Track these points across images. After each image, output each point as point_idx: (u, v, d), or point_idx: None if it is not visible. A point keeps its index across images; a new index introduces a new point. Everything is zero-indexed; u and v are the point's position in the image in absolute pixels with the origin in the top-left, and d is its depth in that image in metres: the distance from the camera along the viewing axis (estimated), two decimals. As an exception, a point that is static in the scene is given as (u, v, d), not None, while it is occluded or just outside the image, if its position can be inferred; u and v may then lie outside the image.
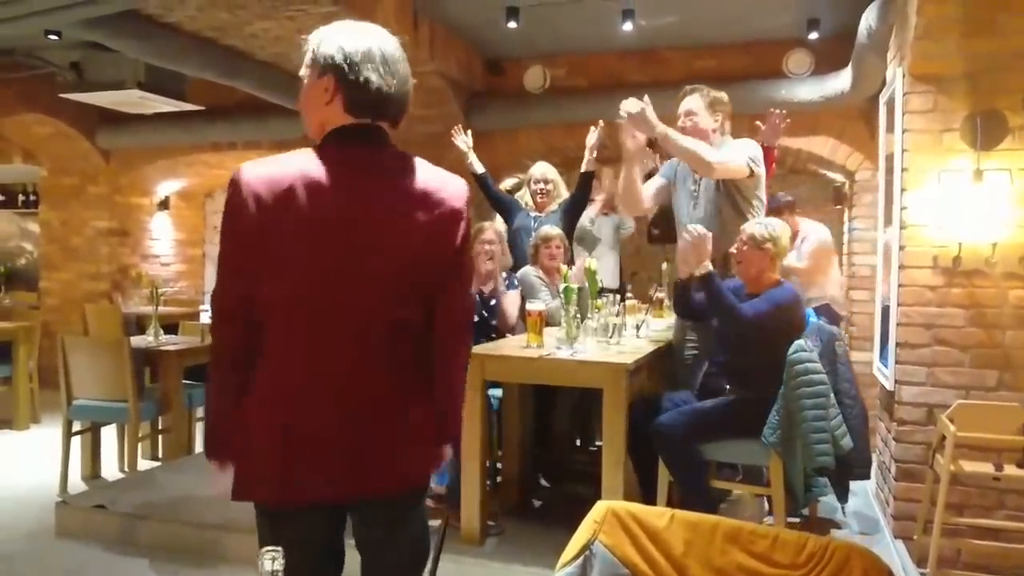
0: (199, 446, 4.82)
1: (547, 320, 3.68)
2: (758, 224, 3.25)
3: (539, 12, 5.03)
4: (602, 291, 3.95)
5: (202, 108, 6.36)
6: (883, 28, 3.84)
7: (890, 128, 3.80)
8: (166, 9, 4.27)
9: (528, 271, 4.30)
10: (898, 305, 3.48)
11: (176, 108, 6.05)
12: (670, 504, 3.21)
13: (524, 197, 4.88)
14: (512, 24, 5.02)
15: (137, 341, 4.56)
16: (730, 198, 3.49)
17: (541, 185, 4.69)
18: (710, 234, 3.19)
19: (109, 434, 4.64)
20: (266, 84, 5.64)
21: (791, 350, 3.13)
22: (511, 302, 4.12)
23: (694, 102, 3.60)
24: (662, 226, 4.15)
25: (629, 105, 3.31)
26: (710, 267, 3.17)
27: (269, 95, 5.79)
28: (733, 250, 3.28)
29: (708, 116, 3.58)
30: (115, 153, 7.41)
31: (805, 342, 3.19)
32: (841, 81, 5.10)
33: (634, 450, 3.30)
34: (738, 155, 3.40)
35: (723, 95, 3.63)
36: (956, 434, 3.03)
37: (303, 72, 1.67)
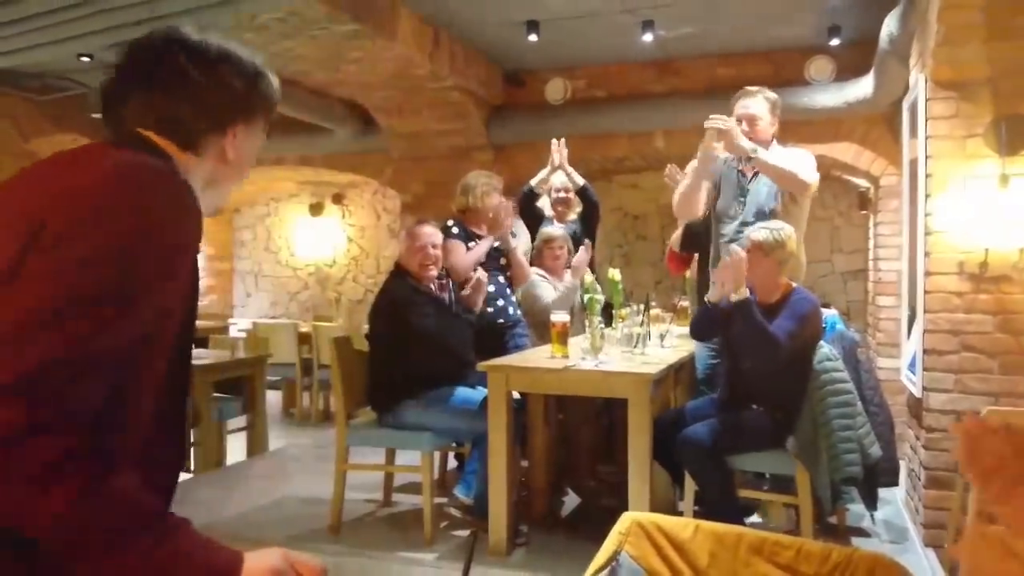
0: (230, 459, 4.90)
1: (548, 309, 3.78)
2: (763, 229, 3.18)
3: (559, 25, 5.07)
4: None
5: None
6: (905, 34, 3.84)
7: (913, 134, 3.78)
8: (194, 30, 4.36)
9: (531, 270, 4.36)
10: (924, 312, 3.46)
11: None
12: (697, 511, 3.21)
13: (545, 207, 4.92)
14: (533, 37, 5.07)
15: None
16: (784, 205, 3.45)
17: (561, 194, 4.73)
18: (745, 256, 3.15)
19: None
20: (290, 102, 5.73)
21: (817, 359, 3.13)
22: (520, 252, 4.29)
23: (758, 106, 3.47)
24: (689, 247, 4.14)
25: (717, 122, 3.26)
26: (747, 293, 3.10)
27: (293, 112, 5.89)
28: (741, 252, 3.20)
29: (770, 122, 3.48)
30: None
31: (830, 350, 3.17)
32: (863, 87, 5.09)
33: (660, 457, 3.31)
34: (812, 168, 3.38)
35: (778, 98, 3.54)
36: (986, 442, 3.00)
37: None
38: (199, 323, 6.03)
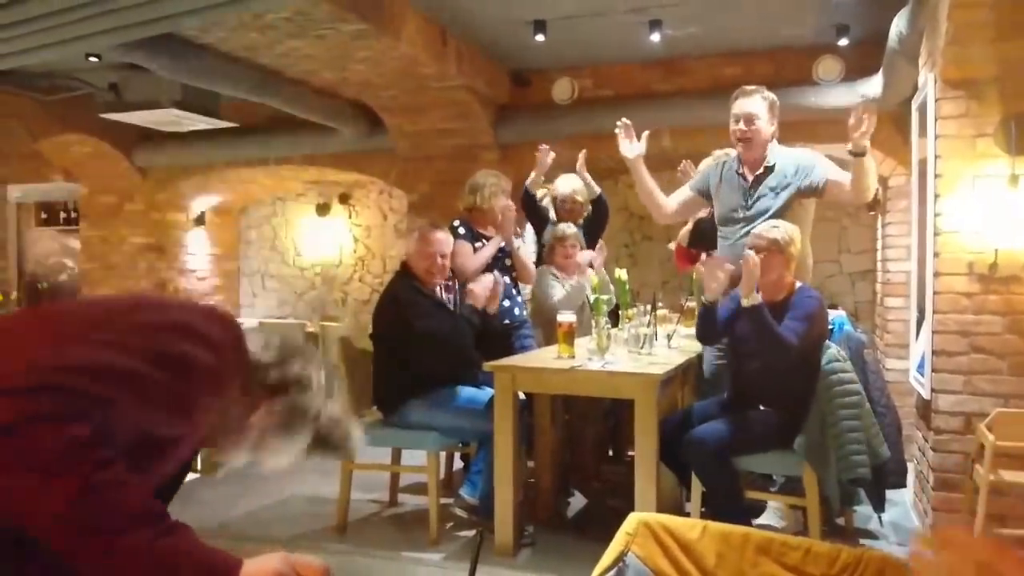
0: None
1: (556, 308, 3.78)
2: (774, 227, 3.16)
3: (565, 24, 5.06)
4: None
5: (235, 125, 6.48)
6: (914, 33, 3.81)
7: (923, 133, 3.76)
8: (201, 30, 4.37)
9: (542, 270, 4.35)
10: (933, 313, 3.44)
11: (210, 125, 6.18)
12: (704, 513, 3.20)
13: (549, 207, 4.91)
14: (540, 37, 5.06)
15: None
16: (797, 207, 3.43)
17: (569, 204, 4.68)
18: (759, 260, 3.12)
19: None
20: (296, 101, 5.74)
21: (825, 359, 3.11)
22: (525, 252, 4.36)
23: (756, 105, 3.42)
24: (697, 244, 4.12)
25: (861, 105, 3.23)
26: (759, 298, 3.07)
27: (299, 111, 5.89)
28: (756, 253, 3.17)
29: (769, 122, 3.45)
30: (151, 171, 7.57)
31: (838, 351, 3.16)
32: (872, 87, 5.06)
33: (666, 458, 3.29)
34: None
35: (776, 98, 3.52)
36: (995, 443, 2.98)
37: None
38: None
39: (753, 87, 3.50)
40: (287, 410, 1.30)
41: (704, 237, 3.98)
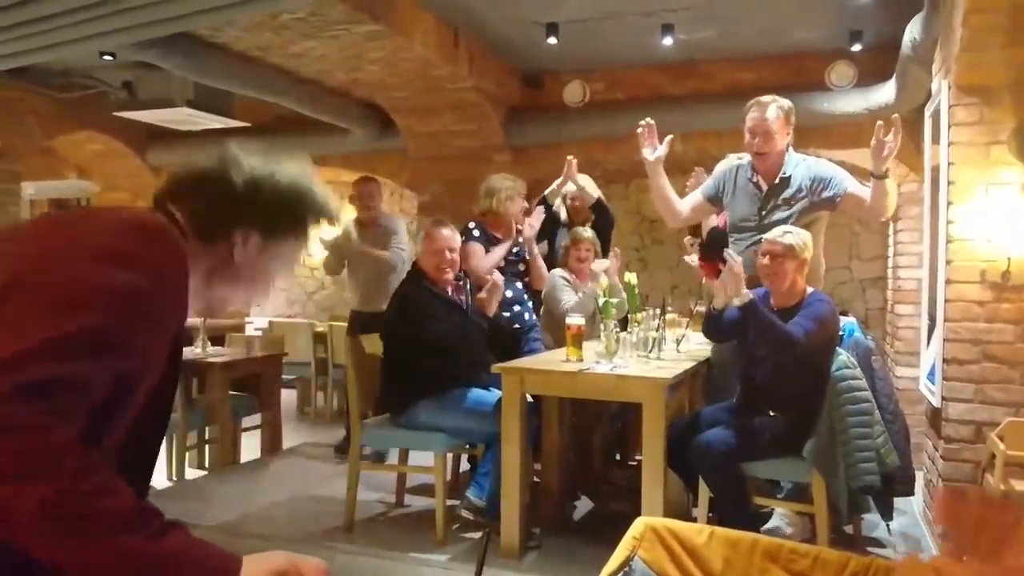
0: (244, 456, 4.92)
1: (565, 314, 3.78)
2: (788, 232, 3.14)
3: (578, 27, 5.06)
4: None
5: (247, 125, 6.50)
6: (928, 39, 3.80)
7: (936, 140, 3.74)
8: (215, 30, 4.39)
9: (555, 273, 4.34)
10: (945, 320, 3.42)
11: (223, 125, 6.20)
12: (711, 519, 3.19)
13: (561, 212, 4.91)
14: (552, 40, 5.06)
15: (185, 353, 4.66)
16: (816, 218, 3.42)
17: (578, 202, 4.71)
18: (740, 261, 3.11)
19: (157, 443, 4.74)
20: (309, 101, 5.76)
21: (835, 366, 3.10)
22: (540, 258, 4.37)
23: (771, 119, 3.36)
24: (711, 254, 4.08)
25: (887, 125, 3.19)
26: (750, 295, 3.08)
27: (312, 112, 5.91)
28: (765, 261, 3.17)
29: (784, 132, 3.40)
30: (164, 169, 7.61)
31: (848, 357, 3.15)
32: (885, 93, 5.04)
33: (673, 463, 3.29)
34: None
35: (792, 106, 3.46)
36: (1006, 452, 2.96)
37: None
38: (214, 321, 6.11)
39: (768, 97, 3.44)
40: (257, 220, 1.21)
41: (717, 247, 3.96)
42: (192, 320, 6.46)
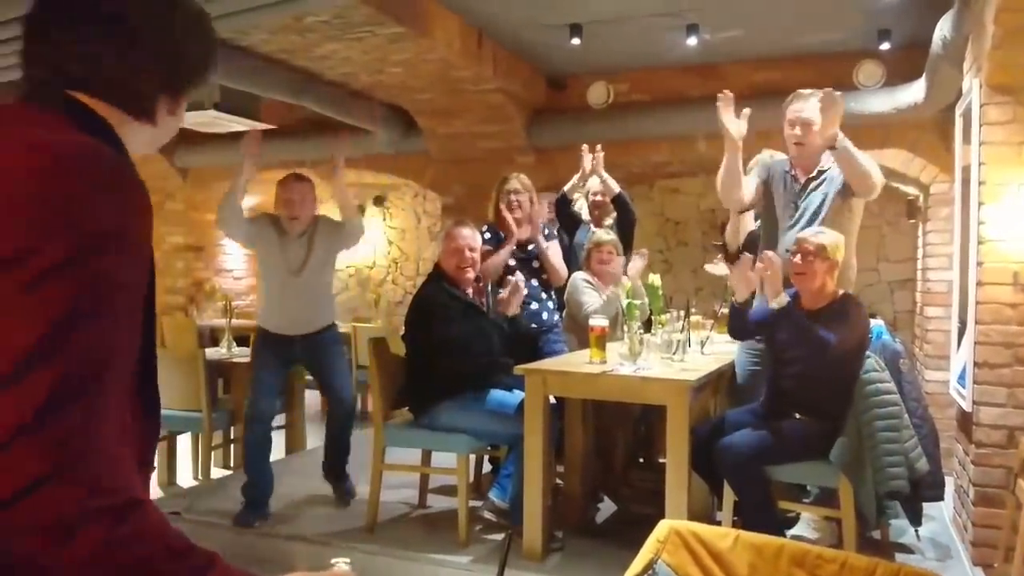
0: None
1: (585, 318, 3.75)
2: (820, 233, 3.13)
3: (602, 29, 5.05)
4: None
5: (273, 127, 6.56)
6: (958, 38, 3.73)
7: (966, 140, 3.68)
8: (241, 33, 4.43)
9: (577, 275, 4.32)
10: (976, 323, 3.36)
11: (249, 127, 6.25)
12: (736, 523, 3.16)
13: (583, 211, 4.90)
14: (576, 41, 5.05)
15: (211, 353, 4.71)
16: (846, 211, 3.37)
17: (598, 197, 4.71)
18: (778, 262, 3.08)
19: (184, 443, 4.80)
20: (334, 103, 5.80)
21: (863, 369, 3.06)
22: (555, 254, 4.25)
23: (812, 110, 3.32)
24: (751, 251, 3.99)
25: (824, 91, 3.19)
26: (786, 299, 3.05)
27: (336, 114, 5.95)
28: (797, 259, 3.13)
29: (828, 128, 3.34)
30: (191, 171, 7.70)
31: (876, 361, 3.10)
32: (914, 92, 4.97)
33: (698, 467, 3.26)
34: (879, 171, 3.31)
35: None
36: (1039, 458, 2.90)
37: None
38: (239, 322, 6.16)
39: (809, 90, 3.41)
40: (178, 79, 0.98)
41: (753, 248, 3.92)
42: (218, 321, 6.53)
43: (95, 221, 0.80)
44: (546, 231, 4.33)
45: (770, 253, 3.13)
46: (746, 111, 3.37)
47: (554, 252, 4.26)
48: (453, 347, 3.54)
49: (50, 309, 0.76)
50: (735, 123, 3.34)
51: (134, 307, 0.86)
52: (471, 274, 3.73)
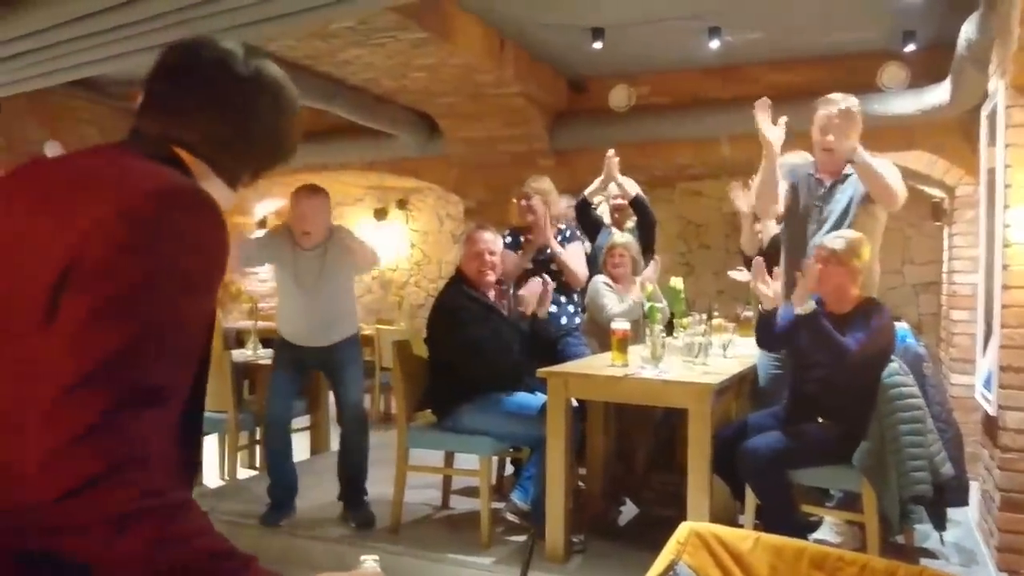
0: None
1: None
2: (837, 238, 3.12)
3: (623, 32, 5.06)
4: None
5: (299, 132, 6.63)
6: (984, 39, 3.70)
7: (992, 142, 3.65)
8: (267, 39, 4.49)
9: (597, 279, 4.34)
10: (1002, 327, 3.33)
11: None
12: (758, 526, 3.16)
13: (604, 214, 4.91)
14: (597, 44, 5.07)
15: (236, 355, 4.78)
16: (870, 215, 3.35)
17: (618, 200, 4.72)
18: (818, 269, 3.08)
19: (210, 443, 4.86)
20: (357, 108, 5.85)
21: (885, 373, 3.04)
22: (573, 256, 4.20)
23: (843, 117, 3.31)
24: (774, 258, 3.94)
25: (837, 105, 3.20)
26: (814, 305, 3.05)
27: (359, 118, 6.01)
28: (817, 263, 3.12)
29: (855, 134, 3.34)
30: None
31: (900, 364, 3.09)
32: (939, 94, 4.93)
33: (720, 469, 3.26)
34: (900, 180, 3.28)
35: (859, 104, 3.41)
36: (1066, 463, 2.87)
37: None
38: (265, 324, 6.23)
39: (839, 95, 3.40)
40: (262, 160, 1.15)
41: (777, 252, 3.91)
42: (243, 323, 6.61)
43: (190, 246, 0.92)
44: (567, 232, 4.33)
45: (810, 262, 3.12)
46: (783, 119, 3.35)
47: (571, 254, 4.22)
48: (473, 349, 3.57)
49: (134, 322, 0.85)
50: (772, 130, 3.31)
51: (203, 327, 0.96)
52: (491, 277, 3.76)
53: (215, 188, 1.08)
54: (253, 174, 1.16)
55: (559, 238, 4.24)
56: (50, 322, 0.86)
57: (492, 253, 3.74)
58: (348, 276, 4.02)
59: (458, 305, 3.66)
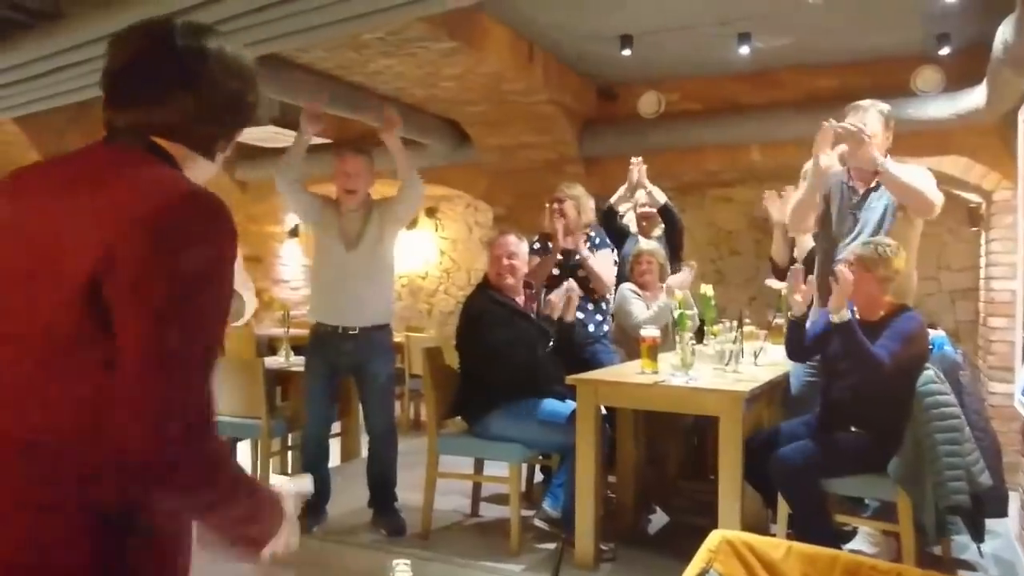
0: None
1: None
2: (867, 245, 3.09)
3: (653, 39, 5.06)
4: None
5: (329, 141, 6.71)
6: (1020, 41, 3.64)
7: (1029, 146, 3.59)
8: (299, 51, 4.56)
9: (624, 286, 4.33)
10: (1041, 334, 3.27)
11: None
12: (790, 535, 3.12)
13: (631, 223, 4.91)
14: (626, 52, 5.07)
15: (269, 362, 4.84)
16: (906, 221, 3.30)
17: (645, 208, 4.72)
18: (851, 277, 3.05)
19: (243, 449, 4.92)
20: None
21: (921, 381, 3.00)
22: (600, 262, 4.17)
23: (872, 122, 3.29)
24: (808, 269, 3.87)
25: (847, 127, 3.15)
26: (848, 315, 3.01)
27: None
28: (848, 270, 3.07)
29: (884, 137, 3.32)
30: (250, 184, 7.91)
31: (935, 372, 3.04)
32: (975, 98, 4.86)
33: (752, 477, 3.23)
34: (936, 187, 3.23)
35: (891, 109, 3.38)
36: (1109, 474, 2.81)
37: None
38: (296, 331, 6.30)
39: (868, 101, 3.38)
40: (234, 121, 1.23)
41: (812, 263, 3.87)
42: (276, 331, 6.68)
43: (210, 242, 1.05)
44: (597, 239, 4.32)
45: (842, 268, 3.08)
46: (841, 147, 3.32)
47: (599, 260, 4.20)
48: (495, 352, 3.58)
49: (189, 312, 1.02)
50: (828, 157, 3.31)
51: (226, 310, 1.12)
52: (511, 281, 3.77)
53: (198, 166, 1.19)
54: (227, 140, 1.23)
55: (588, 244, 4.24)
56: (98, 322, 0.99)
57: (511, 256, 3.76)
58: (389, 246, 3.95)
59: (482, 309, 3.69)
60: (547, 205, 4.31)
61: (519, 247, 3.82)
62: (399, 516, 3.89)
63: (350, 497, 4.27)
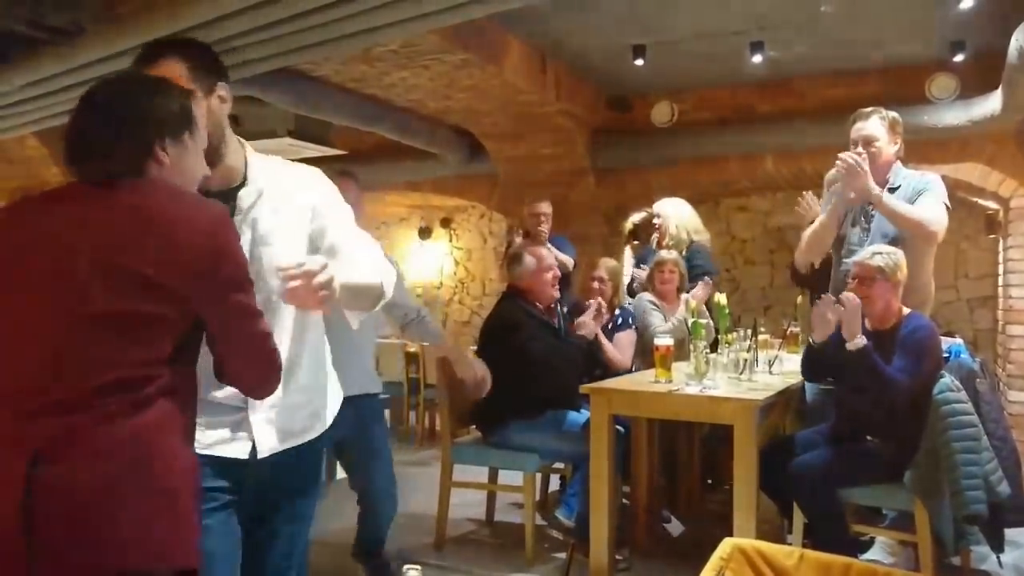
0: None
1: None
2: (878, 254, 3.04)
3: (666, 49, 5.07)
4: None
5: (344, 152, 6.77)
6: (1035, 48, 3.63)
7: (1046, 153, 3.56)
8: (314, 64, 4.61)
9: (643, 296, 4.33)
10: (1059, 342, 3.24)
11: (321, 153, 6.48)
12: (806, 544, 3.10)
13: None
14: (639, 62, 5.08)
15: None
16: (914, 240, 3.25)
17: (658, 220, 4.73)
18: (859, 302, 3.03)
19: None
20: (402, 129, 5.95)
21: (937, 389, 2.97)
22: (620, 343, 4.15)
23: (874, 127, 3.29)
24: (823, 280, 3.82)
25: (847, 159, 3.15)
26: (864, 340, 2.96)
27: (405, 139, 6.11)
28: (854, 284, 3.05)
29: (890, 143, 3.31)
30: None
31: (952, 380, 3.02)
32: (990, 104, 4.83)
33: (767, 487, 3.22)
34: (940, 207, 3.19)
35: (898, 115, 3.37)
36: None
37: None
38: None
39: (870, 108, 3.36)
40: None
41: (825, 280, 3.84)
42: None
43: (238, 248, 1.43)
44: (619, 319, 4.23)
45: (849, 295, 3.04)
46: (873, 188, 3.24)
47: (620, 341, 4.14)
48: (537, 364, 3.57)
49: (245, 300, 1.42)
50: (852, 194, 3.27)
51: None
52: (557, 292, 3.83)
53: (188, 166, 1.46)
54: (160, 148, 1.41)
55: (615, 322, 4.22)
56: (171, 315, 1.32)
57: (553, 268, 3.82)
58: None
59: (519, 321, 3.68)
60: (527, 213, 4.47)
61: (554, 259, 3.90)
62: (385, 559, 3.30)
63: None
